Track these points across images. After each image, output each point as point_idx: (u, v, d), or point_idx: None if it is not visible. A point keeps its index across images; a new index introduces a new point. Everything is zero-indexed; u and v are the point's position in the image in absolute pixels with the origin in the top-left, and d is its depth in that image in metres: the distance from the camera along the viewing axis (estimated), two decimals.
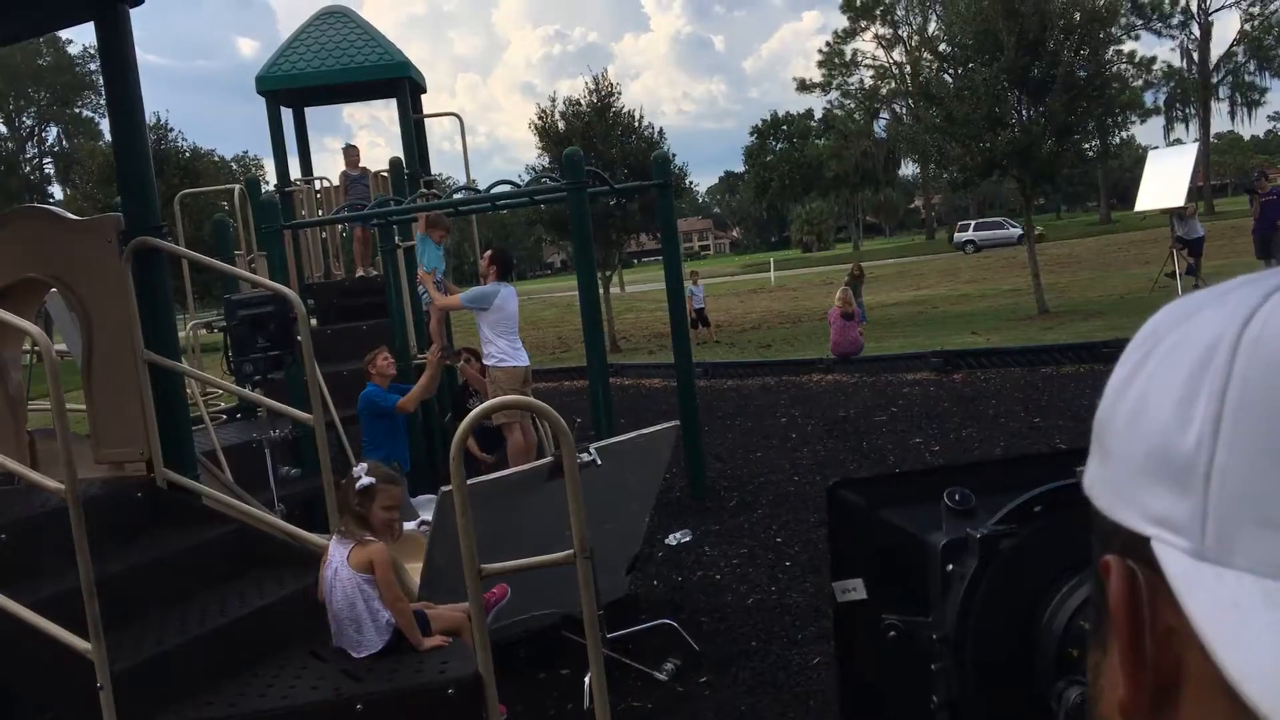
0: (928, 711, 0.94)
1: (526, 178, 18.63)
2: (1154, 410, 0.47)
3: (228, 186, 13.32)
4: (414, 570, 5.15)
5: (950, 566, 0.93)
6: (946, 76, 20.11)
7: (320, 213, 12.57)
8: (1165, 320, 0.50)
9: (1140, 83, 47.95)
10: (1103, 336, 13.35)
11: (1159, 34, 62.39)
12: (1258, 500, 0.42)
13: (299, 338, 5.83)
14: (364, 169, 13.19)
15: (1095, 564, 0.51)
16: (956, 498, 0.97)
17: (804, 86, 73.26)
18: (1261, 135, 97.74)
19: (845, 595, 1.03)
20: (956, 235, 57.18)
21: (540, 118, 21.81)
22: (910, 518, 1.01)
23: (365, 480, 4.27)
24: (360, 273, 12.88)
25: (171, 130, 37.28)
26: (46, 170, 68.30)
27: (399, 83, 12.82)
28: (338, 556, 4.20)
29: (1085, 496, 0.91)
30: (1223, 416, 0.44)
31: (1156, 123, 67.70)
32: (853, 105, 72.54)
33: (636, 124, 21.81)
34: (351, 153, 13.42)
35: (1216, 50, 64.39)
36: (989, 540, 0.91)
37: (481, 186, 9.65)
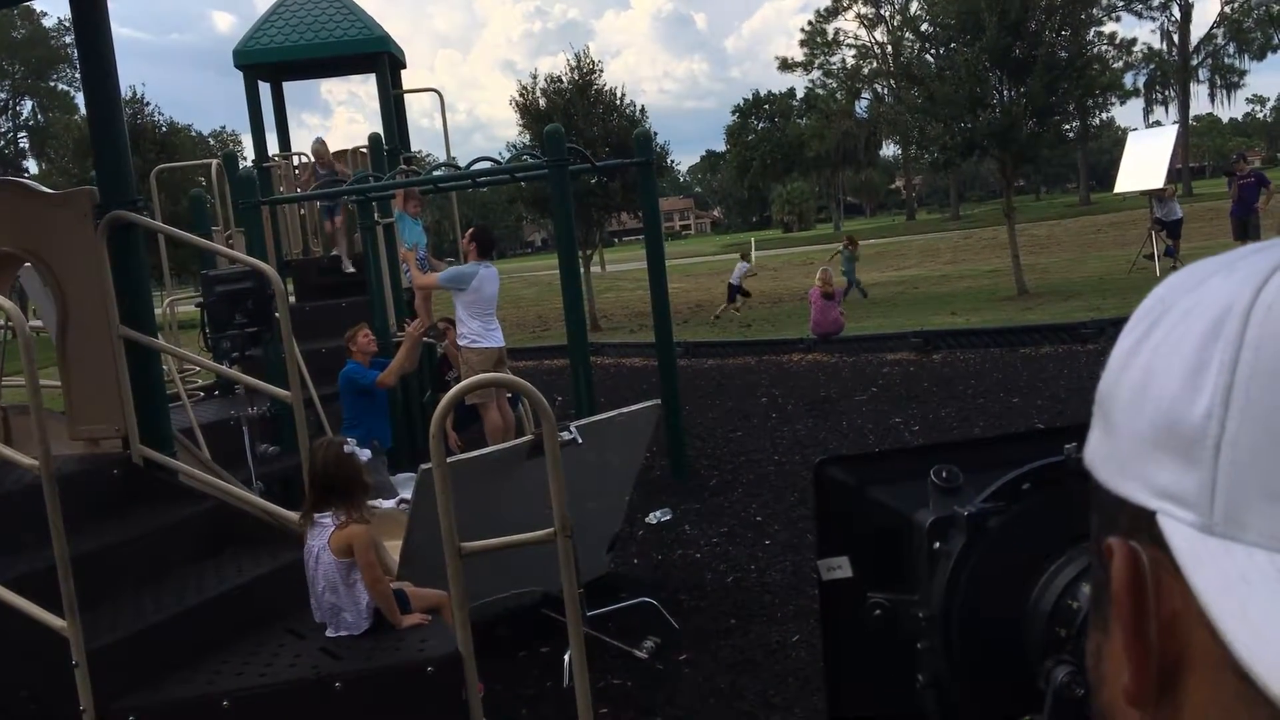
0: (913, 690, 0.94)
1: (506, 155, 18.51)
2: (1161, 380, 0.46)
3: (205, 162, 13.18)
4: (393, 548, 5.14)
5: (937, 544, 0.92)
6: (928, 56, 20.10)
7: (299, 189, 12.46)
8: (1173, 289, 0.49)
9: (1120, 64, 48.09)
10: (1081, 317, 13.41)
11: (1139, 15, 62.70)
12: (1269, 473, 0.41)
13: (277, 314, 5.78)
14: (333, 164, 12.14)
15: (1096, 543, 0.50)
16: (944, 475, 0.96)
17: (786, 66, 73.25)
18: (1240, 118, 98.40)
19: (830, 573, 1.02)
20: None
21: (521, 95, 21.68)
22: (897, 496, 0.99)
23: (350, 448, 4.28)
24: (337, 253, 12.32)
25: (148, 104, 36.80)
26: (21, 144, 67.55)
27: (378, 57, 12.72)
28: (317, 542, 4.17)
29: (1074, 473, 0.90)
30: (1234, 386, 0.42)
31: (1136, 105, 67.94)
32: (835, 85, 72.55)
33: (618, 102, 21.71)
34: (321, 149, 12.35)
35: (1196, 33, 64.73)
36: (976, 518, 0.90)
37: (461, 164, 9.59)
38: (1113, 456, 0.49)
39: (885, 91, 63.20)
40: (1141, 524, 0.46)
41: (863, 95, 71.10)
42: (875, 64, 68.83)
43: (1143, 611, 0.46)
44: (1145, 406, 0.46)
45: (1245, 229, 17.34)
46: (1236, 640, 0.40)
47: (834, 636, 1.08)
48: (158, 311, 7.42)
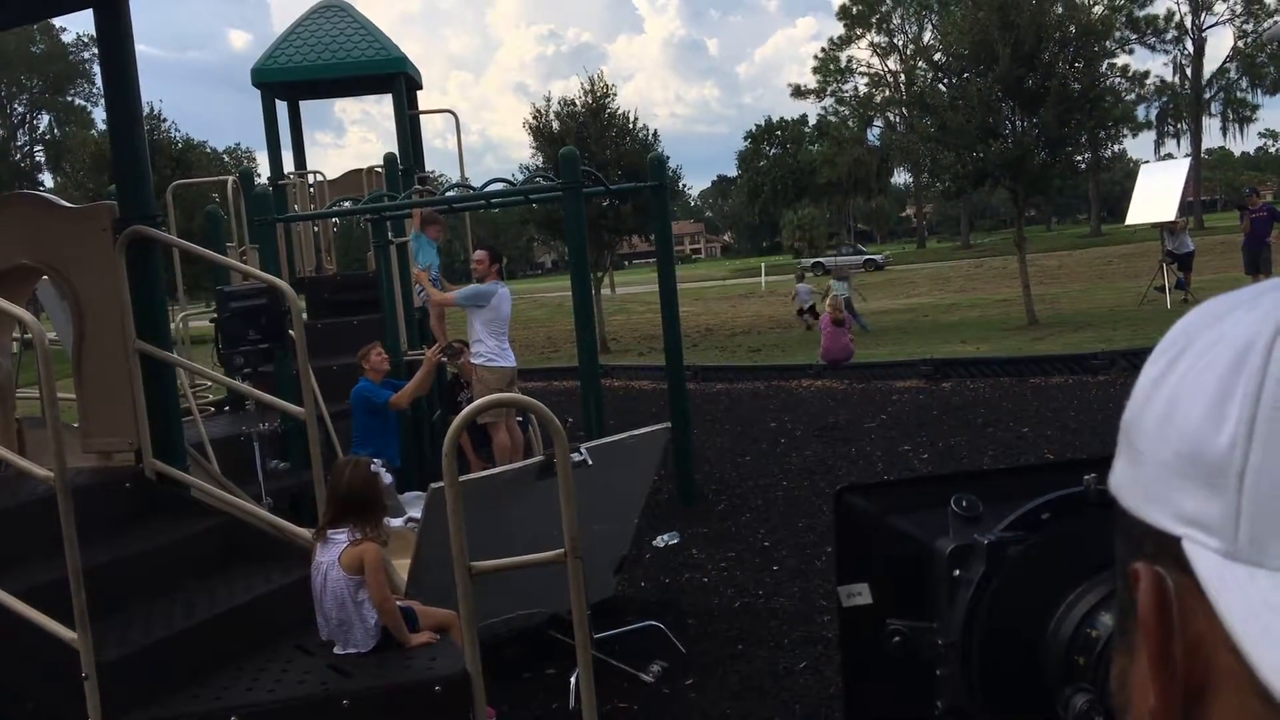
0: (932, 718, 0.94)
1: (519, 177, 18.57)
2: (1186, 410, 0.47)
3: (221, 178, 13.26)
4: (401, 567, 5.14)
5: (957, 572, 0.93)
6: (941, 86, 20.17)
7: (313, 207, 12.54)
8: (1197, 321, 0.51)
9: (1133, 97, 48.14)
10: (1092, 348, 13.38)
11: (1153, 49, 62.67)
12: None
13: (290, 331, 5.81)
14: None
15: (1122, 568, 0.51)
16: (964, 504, 0.98)
17: (798, 92, 73.59)
18: (1252, 152, 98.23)
19: (850, 600, 1.03)
20: None
21: (535, 117, 21.80)
22: (917, 523, 1.01)
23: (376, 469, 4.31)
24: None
25: (164, 121, 37.10)
26: (38, 158, 68.04)
27: (395, 78, 12.80)
28: (327, 558, 4.18)
29: (1093, 504, 0.91)
30: (1257, 417, 0.44)
31: (1148, 137, 67.84)
32: (847, 112, 72.78)
33: (631, 126, 21.80)
34: None
35: (1209, 66, 64.80)
36: (996, 546, 0.92)
37: (474, 184, 9.64)
38: (1137, 483, 0.50)
39: (897, 120, 63.43)
40: (1166, 549, 0.47)
41: (875, 123, 71.40)
42: (888, 92, 69.12)
43: (1168, 635, 0.47)
44: (1170, 435, 0.48)
45: (1257, 263, 17.33)
46: (1262, 664, 0.41)
47: (852, 663, 1.09)
48: (171, 326, 7.45)
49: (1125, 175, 55.31)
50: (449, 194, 10.09)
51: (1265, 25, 59.39)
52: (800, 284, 23.33)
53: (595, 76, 22.04)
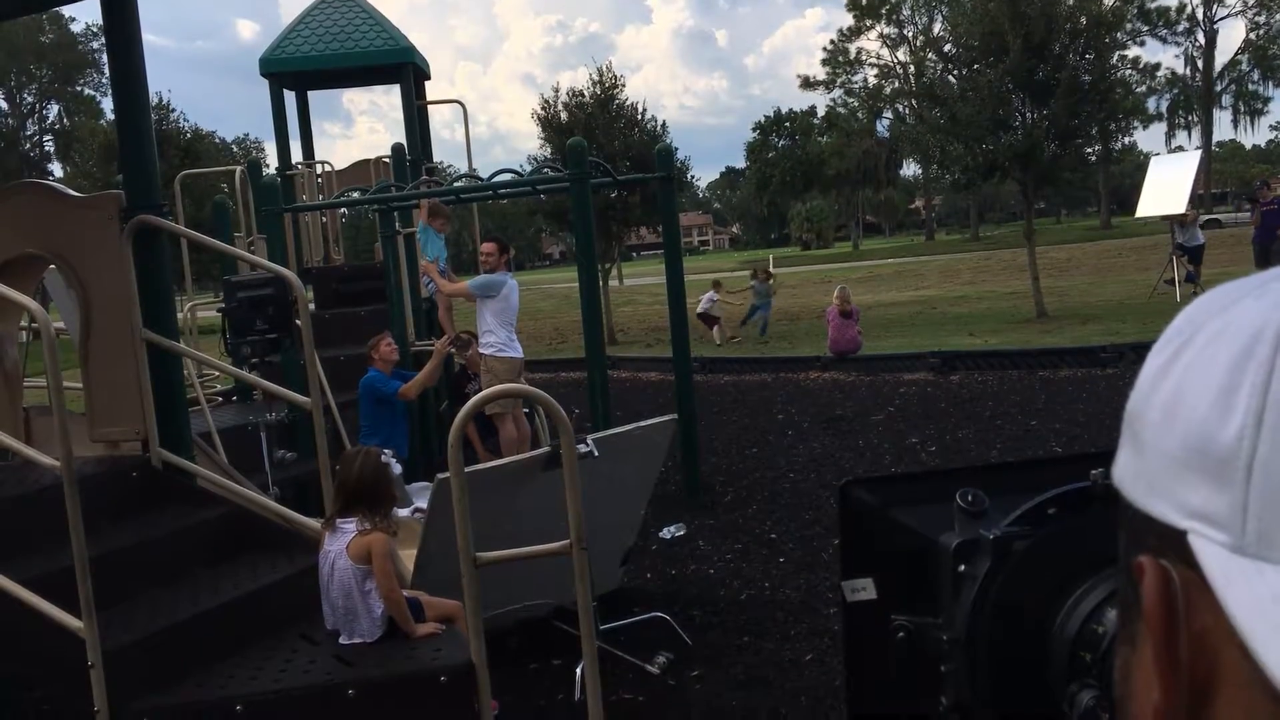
0: (937, 713, 0.94)
1: (527, 168, 18.53)
2: (1192, 401, 0.46)
3: (229, 168, 13.25)
4: (408, 557, 5.15)
5: (962, 567, 0.92)
6: (951, 77, 20.08)
7: (321, 197, 12.54)
8: (1203, 310, 0.49)
9: (1144, 89, 47.98)
10: (1100, 341, 13.36)
11: (1164, 41, 62.49)
12: None
13: (297, 321, 5.81)
14: None
15: (1126, 561, 0.50)
16: (969, 499, 0.97)
17: (807, 84, 73.47)
18: (1263, 144, 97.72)
19: (855, 595, 1.02)
20: None
21: (543, 108, 21.77)
22: (922, 518, 1.00)
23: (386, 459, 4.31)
24: None
25: (173, 111, 37.18)
26: (47, 147, 68.21)
27: (403, 68, 12.80)
28: (335, 547, 4.19)
29: (1100, 499, 0.90)
30: (1265, 408, 0.43)
31: (1159, 129, 67.62)
32: (856, 104, 72.66)
33: (639, 117, 21.77)
34: None
35: (1221, 58, 64.54)
36: (1002, 542, 0.91)
37: (482, 175, 9.64)
38: (1142, 475, 0.49)
39: (907, 111, 63.23)
40: (1171, 543, 0.46)
41: (884, 114, 71.27)
42: (897, 83, 68.88)
43: (1173, 629, 0.46)
44: (1175, 426, 0.47)
45: (1268, 255, 17.24)
46: (1269, 660, 0.40)
47: (856, 658, 1.08)
48: (179, 316, 7.46)
49: (1135, 168, 55.02)
50: (457, 184, 10.08)
51: (1278, 17, 59.13)
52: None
53: (603, 67, 21.95)
